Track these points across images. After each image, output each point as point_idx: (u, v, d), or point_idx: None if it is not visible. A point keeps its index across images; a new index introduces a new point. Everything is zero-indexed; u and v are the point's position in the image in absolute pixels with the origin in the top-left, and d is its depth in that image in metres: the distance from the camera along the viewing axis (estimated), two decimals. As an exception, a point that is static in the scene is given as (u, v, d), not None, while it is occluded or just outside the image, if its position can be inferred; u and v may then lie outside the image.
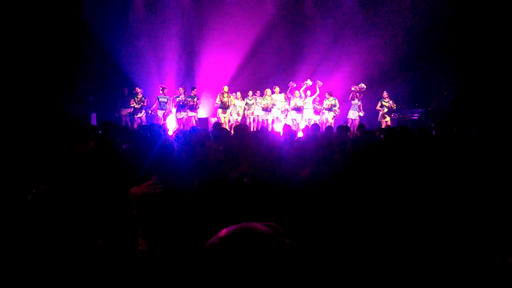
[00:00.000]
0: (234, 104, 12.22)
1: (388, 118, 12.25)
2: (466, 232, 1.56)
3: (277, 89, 12.41)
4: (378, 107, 12.42)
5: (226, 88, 12.09)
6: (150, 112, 11.84)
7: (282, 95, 12.34)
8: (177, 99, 11.67)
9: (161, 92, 11.84)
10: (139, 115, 11.85)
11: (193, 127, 8.43)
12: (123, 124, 11.16)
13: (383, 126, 11.42)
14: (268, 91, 12.24)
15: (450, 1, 12.89)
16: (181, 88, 11.94)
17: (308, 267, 0.91)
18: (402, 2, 13.54)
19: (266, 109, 12.18)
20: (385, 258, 1.51)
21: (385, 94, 12.31)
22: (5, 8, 9.40)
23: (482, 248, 1.49)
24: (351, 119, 12.17)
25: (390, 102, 12.25)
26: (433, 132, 6.58)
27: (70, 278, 1.84)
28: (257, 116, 12.32)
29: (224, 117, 11.99)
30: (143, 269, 2.04)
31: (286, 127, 7.37)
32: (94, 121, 11.88)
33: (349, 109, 12.46)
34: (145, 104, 11.83)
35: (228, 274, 0.81)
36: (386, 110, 12.23)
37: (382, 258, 1.53)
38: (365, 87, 12.30)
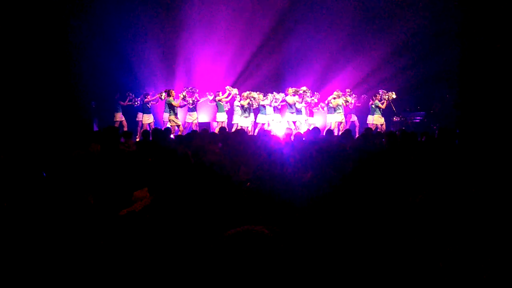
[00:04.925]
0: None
1: (382, 119, 12.22)
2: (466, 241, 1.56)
3: (290, 90, 12.12)
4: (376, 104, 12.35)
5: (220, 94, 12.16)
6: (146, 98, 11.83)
7: (296, 97, 12.03)
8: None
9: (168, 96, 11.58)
10: (148, 120, 11.75)
11: (193, 131, 8.43)
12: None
13: (374, 127, 11.52)
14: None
15: (451, 4, 12.91)
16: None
17: (305, 267, 0.97)
18: (403, 6, 13.56)
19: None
20: (383, 265, 1.52)
21: (378, 96, 12.36)
22: (5, 13, 9.45)
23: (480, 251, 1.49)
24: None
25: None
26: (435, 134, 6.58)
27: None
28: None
29: (219, 122, 12.12)
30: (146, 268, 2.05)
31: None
32: (96, 127, 11.90)
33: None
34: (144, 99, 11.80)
35: (230, 270, 0.91)
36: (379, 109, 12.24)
37: (380, 264, 1.53)
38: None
